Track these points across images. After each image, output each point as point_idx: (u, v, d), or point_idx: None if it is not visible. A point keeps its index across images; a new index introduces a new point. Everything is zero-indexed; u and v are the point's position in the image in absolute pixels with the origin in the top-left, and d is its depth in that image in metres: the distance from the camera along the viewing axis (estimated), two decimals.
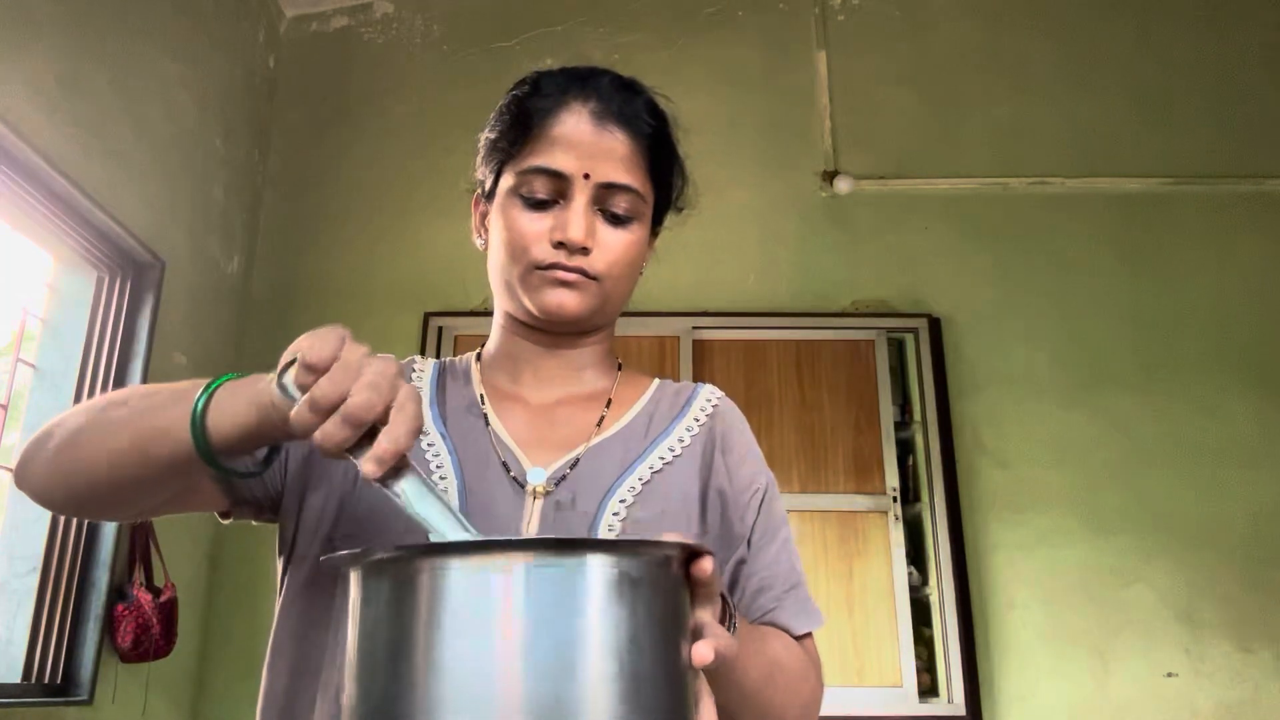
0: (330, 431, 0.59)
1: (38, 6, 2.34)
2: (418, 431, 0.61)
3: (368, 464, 0.60)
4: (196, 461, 0.69)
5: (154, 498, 0.77)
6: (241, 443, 0.69)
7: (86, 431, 0.75)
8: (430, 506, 0.62)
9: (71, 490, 0.76)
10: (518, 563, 0.51)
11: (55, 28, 2.40)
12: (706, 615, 0.60)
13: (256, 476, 0.79)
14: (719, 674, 0.71)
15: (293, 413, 0.61)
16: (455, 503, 0.81)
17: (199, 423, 0.68)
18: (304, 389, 0.61)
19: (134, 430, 0.72)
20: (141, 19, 2.78)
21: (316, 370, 0.61)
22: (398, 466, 0.62)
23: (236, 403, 0.68)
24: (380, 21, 3.75)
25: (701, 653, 0.57)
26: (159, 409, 0.72)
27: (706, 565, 0.58)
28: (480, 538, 0.62)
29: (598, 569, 0.53)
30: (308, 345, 0.62)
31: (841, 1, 3.73)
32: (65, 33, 2.44)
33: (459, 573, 0.52)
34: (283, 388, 0.63)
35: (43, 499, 0.78)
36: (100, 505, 0.79)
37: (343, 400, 0.60)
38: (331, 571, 0.79)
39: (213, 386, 0.70)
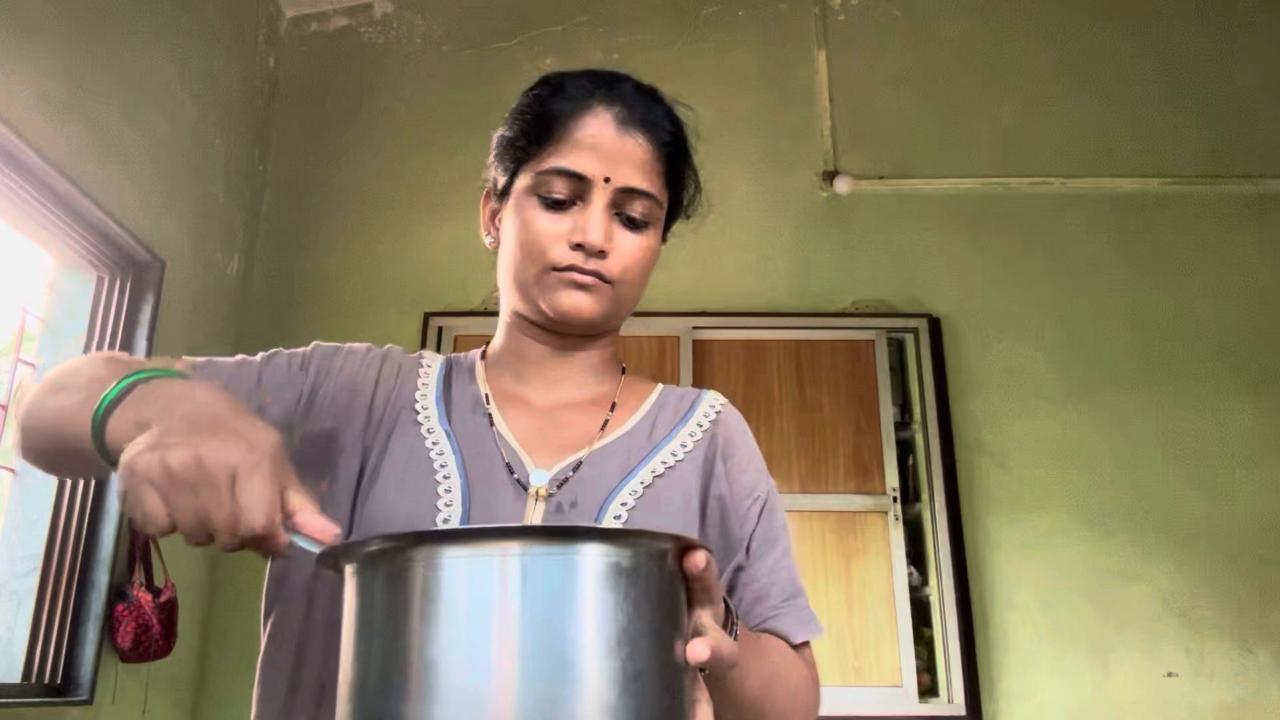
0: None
1: (38, 6, 2.34)
2: (269, 507, 0.58)
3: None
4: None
5: (101, 470, 0.77)
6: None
7: (34, 408, 0.77)
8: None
9: (38, 456, 0.79)
10: (512, 551, 0.52)
11: (55, 28, 2.40)
12: (706, 616, 0.60)
13: None
14: (720, 680, 0.71)
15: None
16: (458, 501, 0.81)
17: (99, 425, 0.67)
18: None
19: (59, 416, 0.73)
20: (141, 19, 2.78)
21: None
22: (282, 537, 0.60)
23: (135, 412, 0.66)
24: (380, 21, 3.75)
25: (697, 650, 0.56)
26: (80, 399, 0.70)
27: (699, 559, 0.57)
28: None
29: (591, 558, 0.52)
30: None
31: (841, 1, 3.73)
32: (65, 33, 2.44)
33: (453, 561, 0.52)
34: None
35: (26, 460, 0.81)
36: (67, 470, 0.82)
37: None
38: (329, 568, 0.79)
39: (123, 384, 0.67)
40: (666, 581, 0.56)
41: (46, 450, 0.77)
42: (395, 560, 0.53)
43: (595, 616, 0.52)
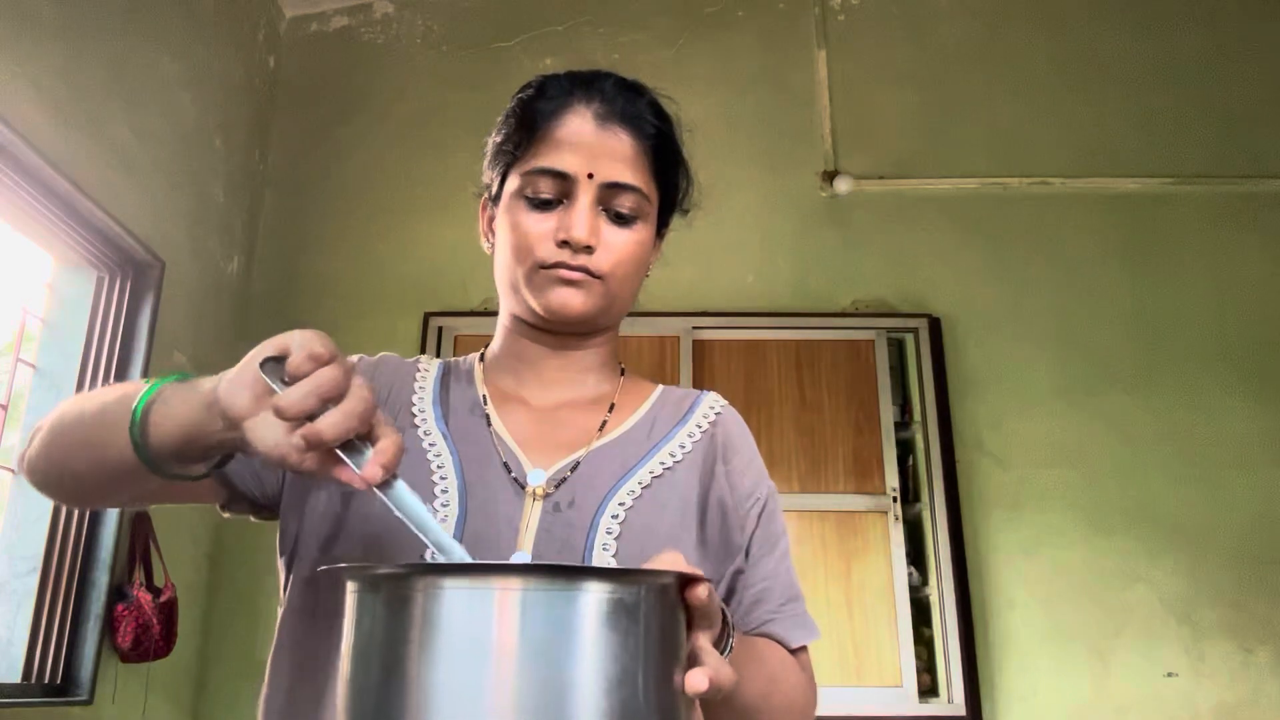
0: (292, 443, 0.60)
1: (38, 6, 2.34)
2: (401, 445, 0.64)
3: (372, 468, 0.61)
4: (142, 466, 0.70)
5: (133, 490, 0.79)
6: (182, 448, 0.69)
7: (57, 433, 0.78)
8: (420, 510, 0.64)
9: (61, 486, 0.81)
10: (513, 588, 0.51)
11: (55, 28, 2.40)
12: (704, 641, 0.60)
13: (205, 478, 0.80)
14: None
15: (252, 419, 0.62)
16: (455, 501, 0.81)
17: (138, 428, 0.69)
18: (293, 383, 0.61)
19: (88, 434, 0.74)
20: (141, 19, 2.78)
21: (314, 366, 0.62)
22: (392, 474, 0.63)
23: (174, 409, 0.68)
24: (380, 21, 3.75)
25: (695, 682, 0.56)
26: (107, 411, 0.73)
27: (701, 592, 0.58)
28: (460, 553, 0.64)
29: (593, 597, 0.52)
30: (302, 342, 0.63)
31: (841, 1, 3.73)
32: (65, 33, 2.44)
33: (453, 594, 0.52)
34: (271, 376, 0.63)
35: (43, 492, 0.82)
36: (89, 498, 0.83)
37: (312, 413, 0.60)
38: (331, 578, 0.79)
39: (153, 390, 0.70)
40: (667, 616, 0.56)
41: (68, 461, 0.77)
42: (397, 587, 0.53)
43: (594, 654, 0.52)
